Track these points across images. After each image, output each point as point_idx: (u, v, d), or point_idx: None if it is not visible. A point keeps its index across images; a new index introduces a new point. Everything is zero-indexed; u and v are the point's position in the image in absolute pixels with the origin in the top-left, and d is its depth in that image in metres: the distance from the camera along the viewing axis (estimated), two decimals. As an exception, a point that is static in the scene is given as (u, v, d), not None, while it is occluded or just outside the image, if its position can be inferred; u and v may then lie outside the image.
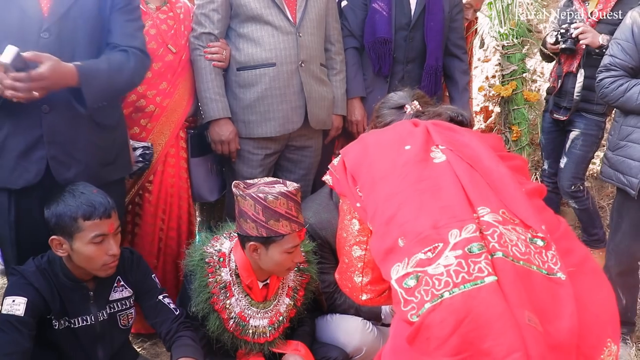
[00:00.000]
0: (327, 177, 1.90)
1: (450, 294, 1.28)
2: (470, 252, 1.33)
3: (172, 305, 2.28)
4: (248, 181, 2.27)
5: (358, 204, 1.64)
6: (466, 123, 1.83)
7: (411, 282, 1.33)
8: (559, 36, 3.27)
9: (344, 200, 1.75)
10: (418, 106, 1.90)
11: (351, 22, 3.17)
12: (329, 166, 1.89)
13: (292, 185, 2.20)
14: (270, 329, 2.31)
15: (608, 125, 3.56)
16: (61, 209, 2.01)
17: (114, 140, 2.40)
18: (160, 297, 2.28)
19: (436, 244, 1.35)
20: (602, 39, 3.10)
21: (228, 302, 2.26)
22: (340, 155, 1.82)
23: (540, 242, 1.42)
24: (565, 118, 3.42)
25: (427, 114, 1.85)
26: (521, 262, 1.35)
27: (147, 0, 2.75)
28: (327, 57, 3.04)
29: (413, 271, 1.34)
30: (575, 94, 3.30)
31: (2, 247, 2.29)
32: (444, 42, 3.23)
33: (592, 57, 3.19)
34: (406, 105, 1.91)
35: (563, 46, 3.27)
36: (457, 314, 1.26)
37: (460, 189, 1.48)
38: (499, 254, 1.34)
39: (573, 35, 3.21)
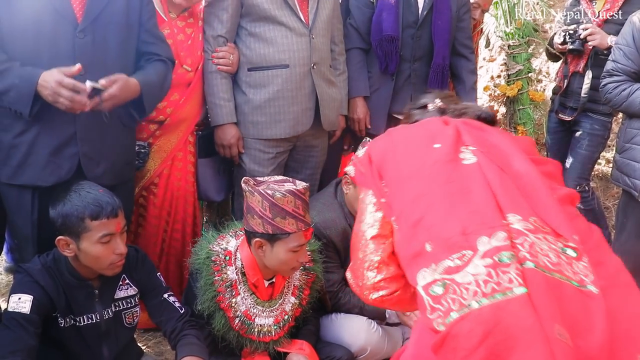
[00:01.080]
0: (349, 169, 1.87)
1: (478, 304, 1.24)
2: (500, 261, 1.28)
3: (177, 304, 2.28)
4: (258, 178, 2.27)
5: (383, 200, 1.59)
6: (493, 121, 1.79)
7: (438, 290, 1.30)
8: (567, 37, 3.27)
9: (366, 193, 1.70)
10: (439, 103, 1.86)
11: (357, 20, 3.16)
12: (352, 157, 1.84)
13: (301, 184, 2.20)
14: (275, 327, 2.32)
15: (614, 126, 3.56)
16: (68, 209, 2.01)
17: (133, 140, 2.52)
18: (165, 295, 2.28)
19: (465, 251, 1.32)
20: (610, 40, 3.09)
21: (234, 300, 2.26)
22: (365, 148, 1.77)
23: (571, 253, 1.36)
24: (571, 118, 3.41)
25: (450, 111, 1.81)
26: (552, 274, 1.30)
27: (170, 9, 2.72)
28: (332, 58, 3.03)
29: (440, 278, 1.30)
30: (582, 94, 3.29)
31: (22, 245, 2.31)
32: (451, 40, 3.23)
33: (600, 57, 3.18)
34: (429, 104, 1.89)
35: (571, 47, 3.26)
36: (485, 325, 1.22)
37: (490, 194, 1.43)
38: (530, 264, 1.29)
39: (581, 37, 3.20)
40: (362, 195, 1.71)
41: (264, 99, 2.79)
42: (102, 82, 2.12)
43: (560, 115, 3.49)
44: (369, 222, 1.65)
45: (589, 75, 3.26)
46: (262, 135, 2.83)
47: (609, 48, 3.06)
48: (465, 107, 1.81)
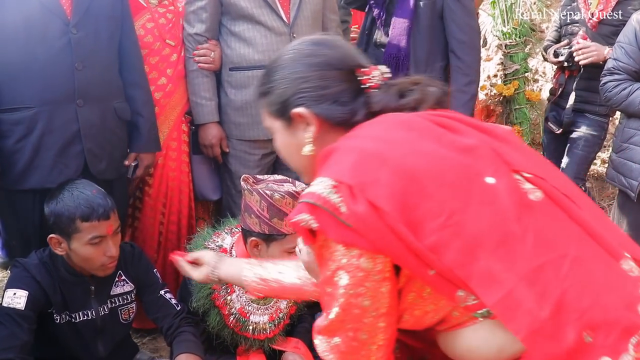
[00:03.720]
0: (308, 220, 1.10)
1: None
2: None
3: (173, 301, 2.28)
4: (258, 176, 2.26)
5: (432, 272, 1.07)
6: (446, 98, 1.35)
7: None
8: (565, 62, 3.29)
9: (373, 259, 1.08)
10: (385, 74, 1.34)
11: None
12: (314, 202, 1.09)
13: (300, 186, 2.19)
14: (270, 325, 2.31)
15: (610, 127, 3.57)
16: (59, 208, 1.99)
17: (126, 133, 2.53)
18: (162, 292, 2.28)
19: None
20: (607, 52, 3.07)
21: (229, 298, 2.25)
22: (329, 185, 1.09)
23: None
24: (559, 131, 3.44)
25: (409, 95, 1.30)
26: None
27: None
28: None
29: None
30: (565, 116, 3.35)
31: (24, 246, 2.30)
32: (418, 32, 2.96)
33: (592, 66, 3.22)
34: (363, 69, 1.30)
35: (567, 65, 3.31)
36: None
37: (588, 239, 1.13)
38: None
39: (574, 52, 3.21)
40: (360, 261, 1.08)
41: (244, 100, 2.73)
42: None
43: (549, 124, 3.52)
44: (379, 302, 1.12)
45: (572, 99, 3.31)
46: (245, 136, 2.78)
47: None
48: (416, 82, 1.34)
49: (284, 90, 1.27)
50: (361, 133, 1.18)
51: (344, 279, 1.10)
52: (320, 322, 1.19)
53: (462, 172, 1.11)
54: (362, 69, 1.28)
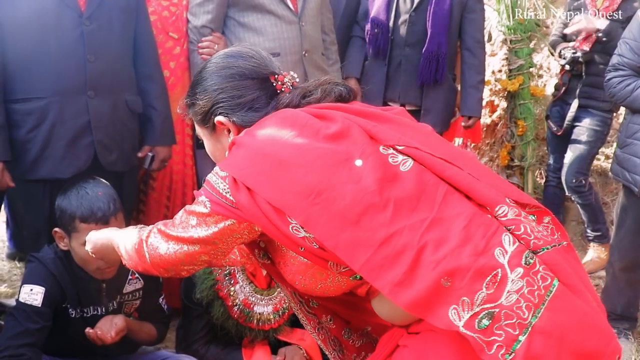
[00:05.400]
0: (205, 201, 1.34)
1: (535, 317, 1.16)
2: (527, 264, 1.20)
3: (165, 306, 2.32)
4: None
5: (302, 248, 1.29)
6: (355, 95, 1.48)
7: (485, 322, 1.16)
8: (567, 66, 3.36)
9: (237, 224, 1.33)
10: (295, 79, 1.47)
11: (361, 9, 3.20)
12: (209, 190, 1.35)
13: None
14: (274, 315, 2.33)
15: (614, 123, 3.58)
16: (65, 205, 2.00)
17: (137, 126, 2.54)
18: (160, 299, 2.31)
19: (494, 272, 1.18)
20: (600, 23, 3.18)
21: (232, 288, 2.27)
22: (217, 174, 1.34)
23: (532, 217, 1.32)
24: (559, 133, 3.49)
25: (311, 95, 1.43)
26: (555, 245, 1.27)
27: None
28: (323, 47, 3.01)
29: (481, 309, 1.16)
30: (567, 120, 3.42)
31: (34, 238, 2.31)
32: (450, 29, 3.14)
33: (597, 62, 3.25)
34: (276, 76, 1.44)
35: (568, 69, 3.38)
36: (551, 334, 1.16)
37: (457, 196, 1.28)
38: (544, 249, 1.24)
39: (568, 33, 3.34)
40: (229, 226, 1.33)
41: None
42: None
43: (550, 122, 3.59)
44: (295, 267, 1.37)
45: (575, 104, 3.38)
46: None
47: (597, 31, 3.20)
48: (315, 87, 1.45)
49: (205, 101, 1.44)
50: (255, 132, 1.36)
51: (213, 228, 1.33)
52: (171, 229, 1.39)
53: (331, 159, 1.27)
54: (275, 76, 1.44)
